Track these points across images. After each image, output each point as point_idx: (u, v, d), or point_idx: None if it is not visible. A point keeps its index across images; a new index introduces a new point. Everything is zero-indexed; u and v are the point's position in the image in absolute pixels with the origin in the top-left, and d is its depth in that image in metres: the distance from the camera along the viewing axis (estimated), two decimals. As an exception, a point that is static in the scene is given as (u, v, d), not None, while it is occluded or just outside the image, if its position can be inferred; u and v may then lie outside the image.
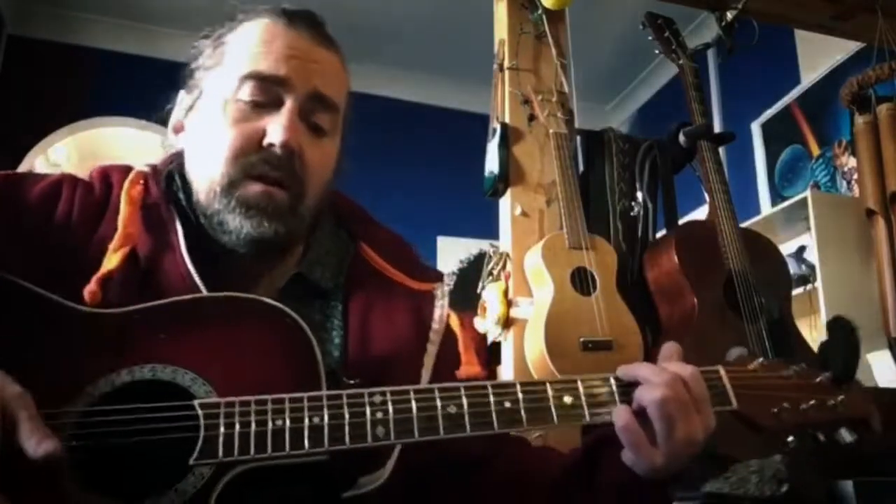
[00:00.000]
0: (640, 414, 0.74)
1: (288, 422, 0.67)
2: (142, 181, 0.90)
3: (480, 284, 1.88)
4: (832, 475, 1.32)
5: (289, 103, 0.86)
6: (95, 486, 0.64)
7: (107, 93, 4.19)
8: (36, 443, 0.60)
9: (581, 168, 1.98)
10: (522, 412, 0.73)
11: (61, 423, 0.66)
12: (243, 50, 0.88)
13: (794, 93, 3.61)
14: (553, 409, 0.74)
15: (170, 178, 0.92)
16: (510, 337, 1.75)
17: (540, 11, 2.03)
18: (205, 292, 0.81)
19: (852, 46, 3.08)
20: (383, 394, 0.71)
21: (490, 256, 1.89)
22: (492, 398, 0.73)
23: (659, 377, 0.75)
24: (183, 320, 0.75)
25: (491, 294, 1.80)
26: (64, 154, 4.92)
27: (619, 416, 0.74)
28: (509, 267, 1.83)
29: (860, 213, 2.53)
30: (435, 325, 0.91)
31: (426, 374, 0.87)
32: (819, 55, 3.43)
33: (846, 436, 0.81)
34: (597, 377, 0.78)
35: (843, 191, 3.22)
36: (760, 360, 0.84)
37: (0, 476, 0.61)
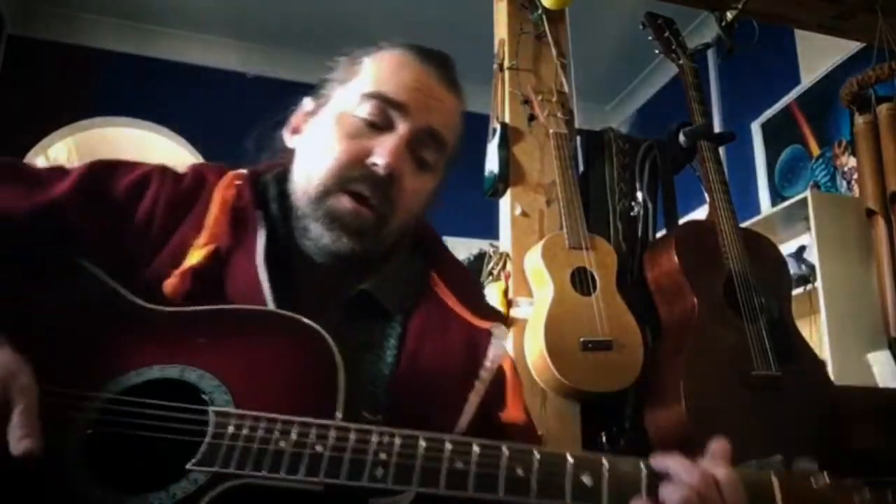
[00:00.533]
0: None
1: (291, 445, 0.67)
2: (236, 185, 0.92)
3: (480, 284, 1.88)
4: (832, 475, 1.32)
5: (401, 129, 0.88)
6: (99, 471, 0.67)
7: (107, 93, 4.19)
8: (17, 438, 0.64)
9: (581, 168, 1.98)
10: (533, 483, 0.68)
11: (86, 405, 0.69)
12: (374, 72, 0.92)
13: (794, 93, 3.61)
14: (568, 487, 0.68)
15: (265, 185, 0.95)
16: (510, 337, 1.75)
17: (540, 11, 2.03)
18: (269, 299, 0.83)
19: (852, 46, 3.09)
20: (392, 435, 0.69)
21: (490, 256, 1.89)
22: (504, 462, 0.68)
23: (689, 476, 0.68)
24: (223, 328, 0.78)
25: (491, 294, 1.80)
26: (64, 154, 4.92)
27: None
28: (509, 267, 1.83)
29: (860, 213, 2.53)
30: (487, 364, 0.91)
31: (469, 409, 0.86)
32: (819, 55, 3.43)
33: None
34: (627, 460, 0.71)
35: (843, 191, 3.22)
36: (827, 479, 0.73)
37: None
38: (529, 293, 1.75)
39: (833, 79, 3.28)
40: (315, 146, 0.91)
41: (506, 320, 1.01)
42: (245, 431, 0.68)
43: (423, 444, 0.69)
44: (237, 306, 0.81)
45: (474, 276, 1.08)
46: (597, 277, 1.69)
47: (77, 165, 0.90)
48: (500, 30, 2.08)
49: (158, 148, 4.42)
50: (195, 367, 0.73)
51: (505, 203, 1.92)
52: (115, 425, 0.69)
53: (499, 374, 0.92)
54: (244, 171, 0.96)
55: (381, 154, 0.86)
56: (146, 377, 0.72)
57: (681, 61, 2.02)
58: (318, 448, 0.67)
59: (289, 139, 0.98)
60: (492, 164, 1.91)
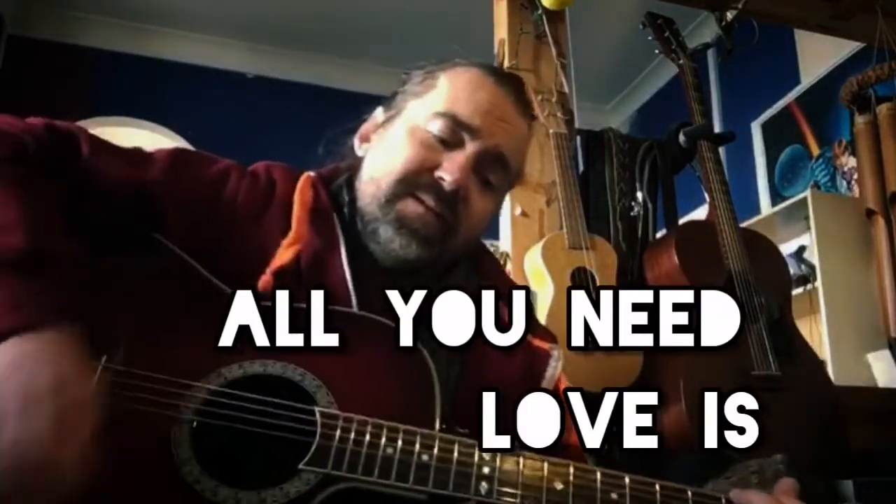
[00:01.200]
0: None
1: (398, 453, 0.69)
2: (313, 186, 0.94)
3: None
4: (832, 475, 1.32)
5: (469, 149, 0.90)
6: (207, 464, 0.67)
7: (107, 93, 4.19)
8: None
9: (581, 168, 1.98)
10: None
11: (191, 395, 0.69)
12: (449, 88, 0.93)
13: (794, 93, 3.61)
14: None
15: (339, 188, 0.97)
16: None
17: (540, 11, 2.03)
18: (354, 301, 0.85)
19: (852, 46, 3.09)
20: (493, 451, 0.71)
21: (490, 256, 1.89)
22: (599, 485, 0.71)
23: None
24: (325, 329, 0.78)
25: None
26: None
27: None
28: (509, 267, 1.83)
29: (860, 213, 2.53)
30: (545, 385, 0.93)
31: None
32: (819, 55, 3.43)
33: None
34: (710, 493, 0.76)
35: (843, 191, 3.22)
36: None
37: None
38: (529, 293, 1.75)
39: (833, 79, 3.28)
40: (385, 153, 0.92)
41: (556, 340, 1.03)
42: (353, 435, 0.69)
43: (523, 460, 0.71)
44: (340, 308, 0.82)
45: (529, 291, 1.09)
46: (597, 277, 1.69)
47: (158, 151, 0.92)
48: (500, 30, 2.08)
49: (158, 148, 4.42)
50: (297, 366, 0.73)
51: (505, 203, 1.92)
52: (220, 418, 0.69)
53: (555, 395, 0.93)
54: (314, 173, 0.97)
55: (449, 170, 0.88)
56: (248, 371, 0.72)
57: (681, 61, 2.02)
58: (425, 458, 0.69)
59: (358, 147, 0.99)
60: (492, 164, 1.91)
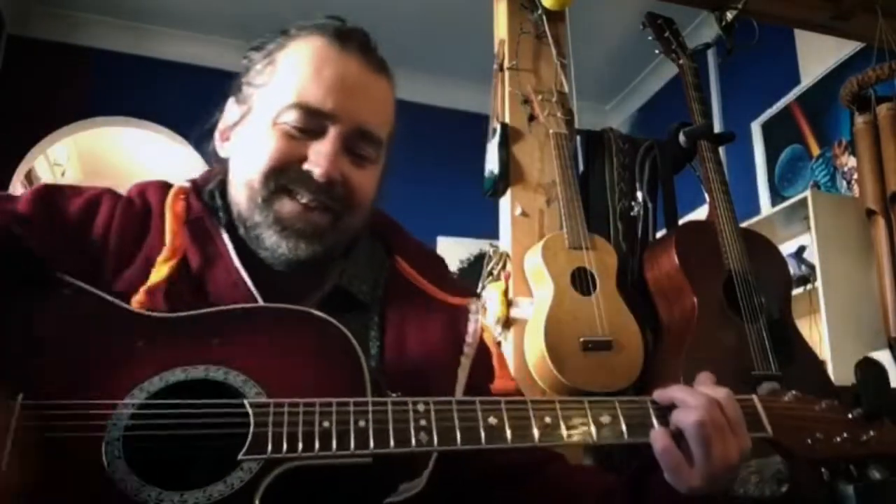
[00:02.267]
0: (678, 436, 0.75)
1: (335, 424, 0.70)
2: (183, 196, 0.92)
3: (480, 284, 1.88)
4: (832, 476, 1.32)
5: (332, 135, 0.87)
6: (146, 475, 0.67)
7: (107, 93, 4.19)
8: None
9: (581, 168, 1.98)
10: (562, 429, 0.75)
11: (118, 413, 0.69)
12: (294, 74, 0.89)
13: (794, 93, 3.61)
14: (592, 427, 0.76)
15: (211, 194, 0.95)
16: (510, 337, 1.75)
17: (540, 11, 2.03)
18: (259, 298, 0.84)
19: (852, 46, 3.09)
20: (427, 403, 0.73)
21: (490, 256, 1.89)
22: (532, 413, 0.75)
23: (695, 399, 0.76)
24: (235, 326, 0.78)
25: (491, 294, 1.80)
26: (64, 154, 4.92)
27: (658, 438, 0.75)
28: (509, 267, 1.83)
29: (860, 213, 2.53)
30: (469, 339, 0.93)
31: (459, 387, 0.88)
32: (819, 55, 3.43)
33: (875, 473, 0.82)
34: (634, 399, 0.80)
35: (843, 191, 3.22)
36: (794, 392, 0.86)
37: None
38: (529, 293, 1.75)
39: (833, 79, 3.28)
40: (248, 152, 0.89)
41: (477, 292, 1.03)
42: (286, 417, 0.70)
43: (456, 407, 0.74)
44: (242, 305, 0.82)
45: (439, 256, 1.09)
46: (597, 277, 1.69)
47: (25, 192, 0.89)
48: (500, 30, 2.08)
49: (158, 148, 4.42)
50: (219, 366, 0.74)
51: (505, 203, 1.92)
52: (150, 429, 0.69)
53: (481, 347, 0.94)
54: (186, 184, 0.95)
55: (316, 163, 0.85)
56: (170, 381, 0.72)
57: (681, 61, 2.02)
58: (362, 423, 0.70)
59: (220, 147, 0.96)
60: (492, 164, 1.91)
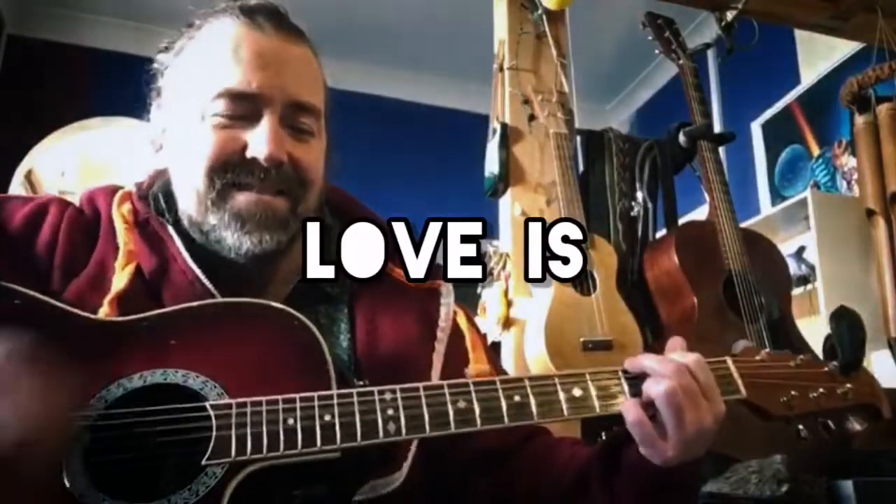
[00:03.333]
0: (650, 406, 0.74)
1: (300, 421, 0.68)
2: (128, 200, 0.89)
3: (481, 284, 1.88)
4: (832, 475, 1.32)
5: (267, 116, 0.83)
6: (109, 489, 0.65)
7: (107, 93, 4.18)
8: None
9: (581, 168, 1.98)
10: (533, 406, 0.74)
11: (77, 426, 0.66)
12: (209, 62, 0.85)
13: (794, 93, 3.61)
14: (563, 403, 0.74)
15: (155, 197, 0.91)
16: (510, 337, 1.75)
17: (540, 11, 2.03)
18: (217, 296, 0.82)
19: (852, 46, 3.08)
20: (393, 391, 0.71)
21: (490, 256, 1.89)
22: (501, 393, 0.73)
23: (665, 368, 0.75)
24: (192, 326, 0.75)
25: (491, 294, 1.80)
26: (64, 154, 4.91)
27: (629, 410, 0.74)
28: (509, 267, 1.83)
29: (860, 213, 2.53)
30: (442, 324, 0.91)
31: (435, 373, 0.86)
32: (819, 55, 3.43)
33: (855, 425, 0.82)
34: (605, 370, 0.78)
35: (843, 191, 3.22)
36: (766, 350, 0.84)
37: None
38: (529, 293, 1.75)
39: (833, 79, 3.28)
40: (185, 155, 0.86)
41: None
42: (249, 417, 0.68)
43: (423, 393, 0.72)
44: (198, 303, 0.78)
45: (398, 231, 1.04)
46: (597, 277, 1.69)
47: None
48: (500, 30, 2.08)
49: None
50: (177, 369, 0.71)
51: (505, 203, 1.92)
52: (111, 440, 0.66)
53: (455, 330, 0.92)
54: (130, 187, 0.93)
55: (258, 148, 0.82)
56: (129, 388, 0.70)
57: (681, 61, 2.02)
58: (328, 417, 0.69)
59: (155, 157, 0.93)
60: (492, 164, 1.91)
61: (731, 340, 1.62)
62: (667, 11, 2.16)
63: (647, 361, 0.77)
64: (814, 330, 2.64)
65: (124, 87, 4.89)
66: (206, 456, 0.66)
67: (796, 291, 2.67)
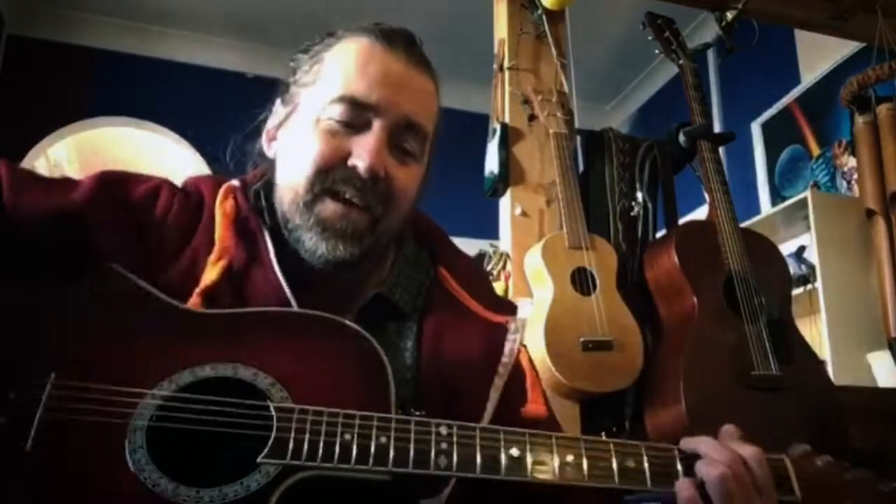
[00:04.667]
0: (701, 488, 0.74)
1: (356, 438, 0.69)
2: (232, 195, 0.92)
3: (480, 284, 1.88)
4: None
5: (377, 127, 0.86)
6: (168, 468, 0.67)
7: (107, 93, 4.19)
8: None
9: (581, 168, 1.98)
10: (584, 468, 0.74)
11: (146, 403, 0.70)
12: (339, 70, 0.89)
13: (794, 93, 3.61)
14: (615, 470, 0.75)
15: (257, 193, 0.95)
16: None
17: (540, 11, 2.03)
18: (293, 303, 0.84)
19: (852, 46, 3.09)
20: (450, 427, 0.72)
21: (490, 256, 1.89)
22: (555, 448, 0.74)
23: (720, 454, 0.75)
24: (269, 329, 0.79)
25: (491, 294, 1.80)
26: (64, 154, 4.91)
27: (684, 489, 0.74)
28: (509, 267, 1.83)
29: (860, 213, 2.53)
30: (505, 359, 0.91)
31: (490, 406, 0.87)
32: (819, 55, 3.43)
33: None
34: (659, 446, 0.78)
35: (843, 191, 3.22)
36: (826, 457, 0.83)
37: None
38: (529, 293, 1.75)
39: (833, 79, 3.28)
40: (293, 154, 0.89)
41: (517, 310, 1.02)
42: (309, 425, 0.69)
43: (479, 434, 0.73)
44: (279, 308, 0.82)
45: (484, 269, 1.08)
46: (597, 277, 1.69)
47: (86, 177, 0.90)
48: (500, 30, 2.08)
49: (158, 148, 4.42)
50: (248, 366, 0.74)
51: (505, 203, 1.92)
52: (176, 422, 0.69)
53: (517, 368, 0.93)
54: (236, 182, 0.95)
55: (361, 156, 0.85)
56: (199, 376, 0.73)
57: (681, 61, 2.02)
58: (383, 440, 0.70)
59: (267, 148, 0.96)
60: (492, 164, 1.91)
61: (731, 340, 1.63)
62: (667, 11, 2.15)
63: (703, 445, 0.77)
64: (814, 330, 2.65)
65: (124, 87, 4.91)
66: (263, 454, 0.68)
67: (796, 291, 2.67)
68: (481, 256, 1.94)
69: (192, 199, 0.92)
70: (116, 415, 0.68)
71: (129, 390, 0.70)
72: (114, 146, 4.86)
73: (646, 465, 0.75)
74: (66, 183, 0.88)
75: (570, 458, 0.74)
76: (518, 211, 1.88)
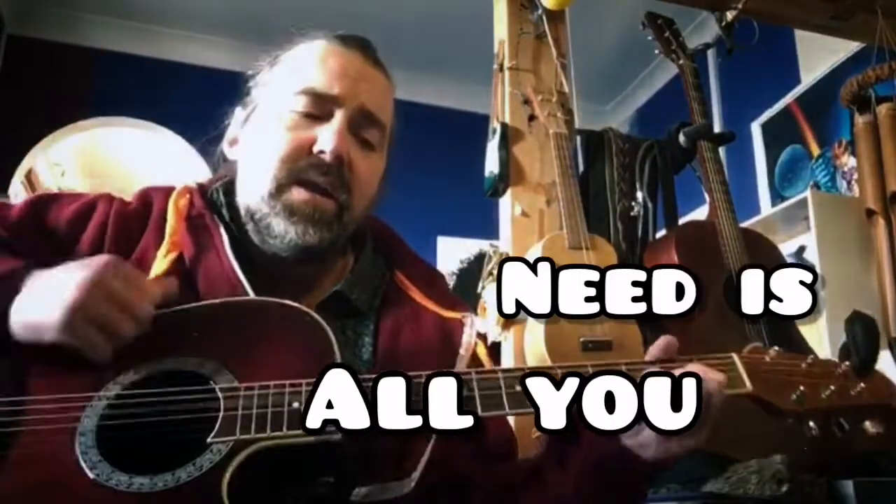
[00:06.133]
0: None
1: (304, 403, 0.70)
2: (187, 195, 0.95)
3: (480, 284, 1.88)
4: (832, 475, 1.32)
5: (339, 116, 0.90)
6: (120, 462, 0.68)
7: (107, 93, 4.19)
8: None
9: (581, 168, 1.98)
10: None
11: (93, 405, 0.71)
12: (299, 66, 0.94)
13: (794, 93, 3.61)
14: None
15: (215, 193, 0.98)
16: (510, 337, 1.75)
17: (540, 11, 2.03)
18: (249, 289, 0.86)
19: (852, 46, 3.08)
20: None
21: (490, 256, 1.89)
22: (502, 380, 0.76)
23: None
24: (212, 319, 0.81)
25: (491, 294, 1.80)
26: (64, 154, 4.92)
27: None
28: (509, 267, 1.83)
29: (860, 213, 2.53)
30: (462, 352, 0.93)
31: None
32: (819, 55, 3.43)
33: (871, 428, 0.81)
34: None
35: (843, 191, 3.22)
36: (776, 348, 0.84)
37: None
38: (529, 293, 1.75)
39: (833, 79, 3.28)
40: (257, 149, 0.93)
41: (471, 308, 1.04)
42: (256, 399, 0.70)
43: (425, 380, 0.73)
44: (221, 300, 0.83)
45: (440, 273, 1.11)
46: (597, 277, 1.69)
47: (19, 202, 0.92)
48: (500, 30, 2.08)
49: (158, 148, 4.42)
50: (193, 356, 0.75)
51: (505, 203, 1.92)
52: (124, 419, 0.70)
53: (474, 361, 0.95)
54: (192, 184, 0.98)
55: (325, 140, 0.88)
56: (144, 373, 0.74)
57: (681, 61, 2.02)
58: None
59: (229, 151, 0.99)
60: (492, 164, 1.91)
61: (731, 340, 1.62)
62: (667, 11, 2.15)
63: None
64: (814, 330, 2.65)
65: (124, 87, 4.91)
66: (213, 434, 0.69)
67: (796, 291, 2.67)
68: (481, 256, 1.94)
69: (134, 208, 0.94)
70: (65, 420, 0.69)
71: (74, 396, 0.71)
72: (114, 146, 4.86)
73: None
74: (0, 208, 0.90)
75: (517, 388, 0.75)
76: (518, 211, 1.88)
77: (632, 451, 0.76)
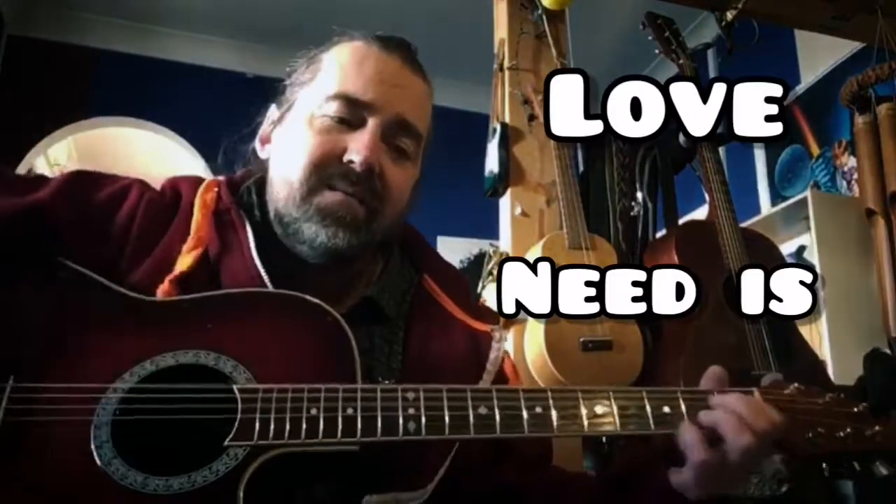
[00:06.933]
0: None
1: (323, 411, 0.69)
2: (215, 188, 0.93)
3: (480, 284, 1.88)
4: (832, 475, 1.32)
5: (372, 124, 0.87)
6: (135, 460, 0.67)
7: (107, 93, 4.19)
8: None
9: (581, 168, 1.98)
10: (553, 418, 0.74)
11: (108, 397, 0.69)
12: (335, 69, 0.91)
13: (794, 93, 3.61)
14: (584, 419, 0.75)
15: (248, 190, 0.96)
16: (510, 337, 1.75)
17: (540, 11, 2.03)
18: (269, 286, 0.84)
19: (852, 46, 3.08)
20: (416, 391, 0.73)
21: (490, 256, 1.89)
22: (523, 402, 0.74)
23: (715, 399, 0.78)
24: (231, 312, 0.79)
25: (491, 294, 1.80)
26: (64, 154, 4.92)
27: (688, 431, 0.77)
28: (509, 267, 1.83)
29: (860, 213, 2.53)
30: (489, 367, 0.92)
31: None
32: (819, 55, 3.43)
33: (882, 469, 0.81)
34: (632, 389, 0.79)
35: (843, 191, 3.22)
36: (796, 385, 0.84)
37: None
38: (529, 293, 1.75)
39: (833, 79, 3.28)
40: (288, 150, 0.90)
41: (502, 321, 1.02)
42: (274, 403, 0.69)
43: (446, 395, 0.73)
44: (240, 290, 0.82)
45: (466, 277, 1.09)
46: (597, 277, 1.69)
47: (57, 175, 0.90)
48: (500, 30, 2.08)
49: (158, 148, 4.42)
50: (210, 351, 0.73)
51: (505, 203, 1.92)
52: (139, 414, 0.69)
53: (500, 375, 0.93)
54: (221, 178, 0.96)
55: (356, 150, 0.86)
56: (161, 365, 0.73)
57: (681, 61, 2.02)
58: (350, 411, 0.70)
59: (261, 150, 0.97)
60: (492, 164, 1.91)
61: (731, 340, 1.62)
62: (667, 11, 2.15)
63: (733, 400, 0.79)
64: (814, 330, 2.65)
65: (124, 87, 4.90)
66: (230, 437, 0.68)
67: (796, 291, 2.67)
68: (481, 256, 1.94)
69: (165, 196, 0.92)
70: (80, 412, 0.68)
71: (90, 386, 0.70)
72: (114, 146, 4.86)
73: (615, 408, 0.76)
74: (35, 181, 0.88)
75: (538, 409, 0.75)
76: (518, 211, 1.88)
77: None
